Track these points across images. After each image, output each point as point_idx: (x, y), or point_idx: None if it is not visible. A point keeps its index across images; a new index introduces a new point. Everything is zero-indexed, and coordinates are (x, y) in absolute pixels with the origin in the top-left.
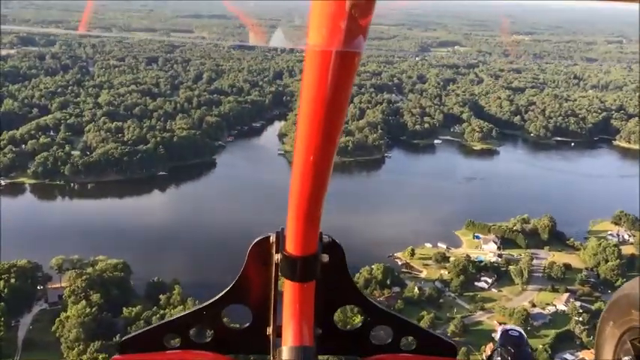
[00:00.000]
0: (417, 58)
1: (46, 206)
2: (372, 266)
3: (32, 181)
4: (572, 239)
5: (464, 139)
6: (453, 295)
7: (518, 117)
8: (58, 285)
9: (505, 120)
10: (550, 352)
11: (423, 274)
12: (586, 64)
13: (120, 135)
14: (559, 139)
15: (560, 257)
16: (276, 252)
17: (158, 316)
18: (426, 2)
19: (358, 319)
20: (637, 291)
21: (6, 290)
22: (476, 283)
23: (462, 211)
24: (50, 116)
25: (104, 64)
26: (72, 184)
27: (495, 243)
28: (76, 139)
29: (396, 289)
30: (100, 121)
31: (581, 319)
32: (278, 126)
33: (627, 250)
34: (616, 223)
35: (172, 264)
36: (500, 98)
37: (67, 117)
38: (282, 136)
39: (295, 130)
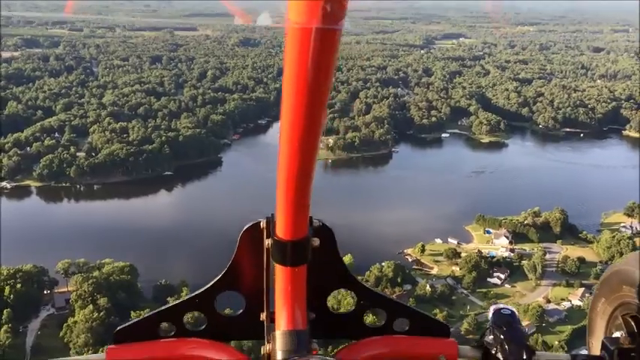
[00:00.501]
0: (422, 52)
1: (53, 209)
2: (383, 264)
3: (38, 184)
4: (584, 232)
5: (471, 133)
6: (465, 291)
7: (527, 108)
8: (64, 289)
9: (513, 112)
10: (566, 348)
11: (434, 271)
12: (593, 54)
13: (125, 135)
14: (568, 130)
15: (574, 251)
16: (267, 237)
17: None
18: None
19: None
20: (627, 267)
21: (12, 296)
22: (488, 279)
23: (471, 206)
24: (55, 118)
25: (108, 64)
26: (78, 186)
27: (507, 237)
28: (81, 141)
29: (408, 286)
30: (105, 121)
31: None
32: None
33: None
34: (628, 215)
35: (180, 266)
36: (507, 90)
37: (72, 118)
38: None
39: (280, 113)
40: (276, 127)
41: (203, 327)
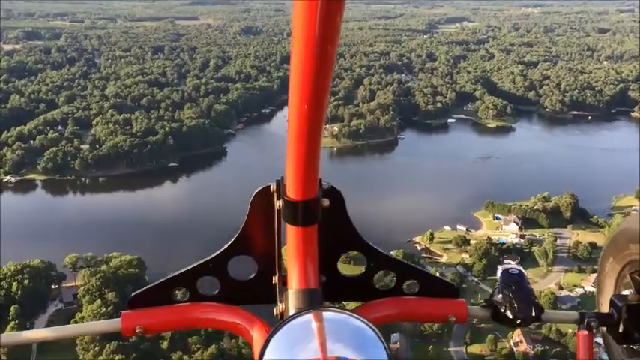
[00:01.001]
0: (425, 36)
1: (58, 202)
2: (392, 252)
3: (43, 178)
4: (595, 217)
5: (478, 117)
6: (475, 279)
7: (533, 92)
8: (72, 283)
9: (519, 96)
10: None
11: (444, 259)
12: (598, 35)
13: (128, 127)
14: (576, 113)
15: (585, 236)
16: (278, 199)
17: None
18: None
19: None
20: (635, 225)
21: (19, 292)
22: (499, 266)
23: (479, 192)
24: (57, 110)
25: (110, 56)
26: (83, 179)
27: (516, 224)
28: (85, 133)
29: None
30: (108, 113)
31: None
32: (287, 111)
33: None
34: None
35: (187, 258)
36: (513, 73)
37: (75, 111)
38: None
39: (289, 79)
40: (279, 115)
41: (216, 292)
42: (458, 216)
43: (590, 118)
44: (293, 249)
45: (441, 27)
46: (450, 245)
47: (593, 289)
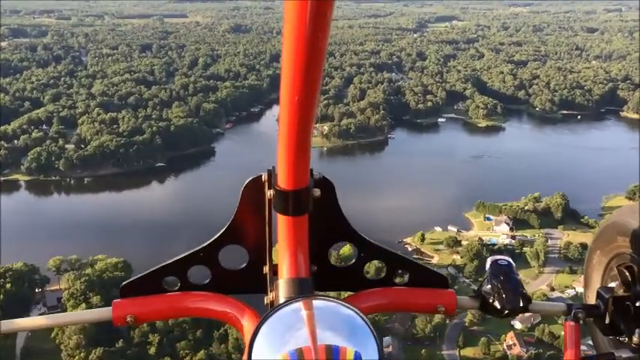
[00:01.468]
0: (415, 35)
1: (42, 203)
2: None
3: (26, 178)
4: (586, 217)
5: (468, 117)
6: (467, 280)
7: (523, 91)
8: (56, 287)
9: (509, 95)
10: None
11: (435, 260)
12: (587, 35)
13: (115, 126)
14: (565, 112)
15: (576, 236)
16: (269, 189)
17: None
18: None
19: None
20: (622, 219)
21: (1, 296)
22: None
23: (470, 192)
24: (42, 109)
25: (97, 53)
26: (68, 179)
27: (507, 224)
28: (70, 132)
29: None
30: (94, 112)
31: None
32: (277, 110)
33: None
34: (630, 198)
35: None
36: (502, 73)
37: (60, 109)
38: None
39: (281, 68)
40: (268, 114)
41: (207, 281)
42: (449, 216)
43: (579, 117)
44: (284, 238)
45: (431, 26)
46: (441, 246)
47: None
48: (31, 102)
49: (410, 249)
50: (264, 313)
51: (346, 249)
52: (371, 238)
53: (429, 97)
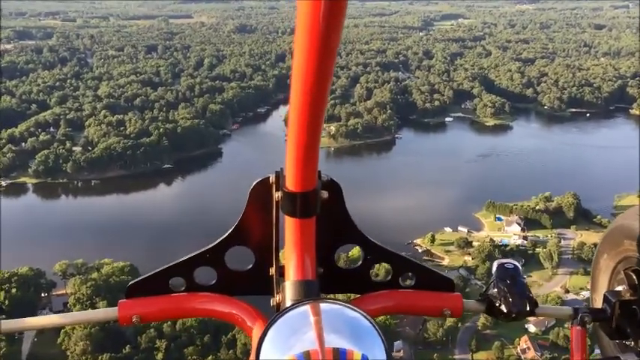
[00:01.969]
0: (421, 34)
1: (50, 206)
2: None
3: (34, 181)
4: (599, 216)
5: (476, 116)
6: (479, 282)
7: (531, 89)
8: (63, 291)
9: (517, 93)
10: (589, 342)
11: (446, 262)
12: (594, 31)
13: (122, 128)
14: (574, 110)
15: (589, 236)
16: (277, 190)
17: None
18: None
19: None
20: (628, 221)
21: (7, 301)
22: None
23: (479, 191)
24: (49, 112)
25: (103, 55)
26: (75, 182)
27: (519, 224)
28: (77, 135)
29: None
30: (101, 114)
31: None
32: (283, 110)
33: None
34: None
35: None
36: (510, 71)
37: (67, 112)
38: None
39: (290, 72)
40: (275, 115)
41: (213, 282)
42: (458, 217)
43: (588, 115)
44: (291, 240)
45: (437, 24)
46: (451, 247)
47: None
48: (38, 104)
49: (420, 250)
50: (270, 314)
51: (355, 251)
52: (379, 239)
53: (436, 96)
